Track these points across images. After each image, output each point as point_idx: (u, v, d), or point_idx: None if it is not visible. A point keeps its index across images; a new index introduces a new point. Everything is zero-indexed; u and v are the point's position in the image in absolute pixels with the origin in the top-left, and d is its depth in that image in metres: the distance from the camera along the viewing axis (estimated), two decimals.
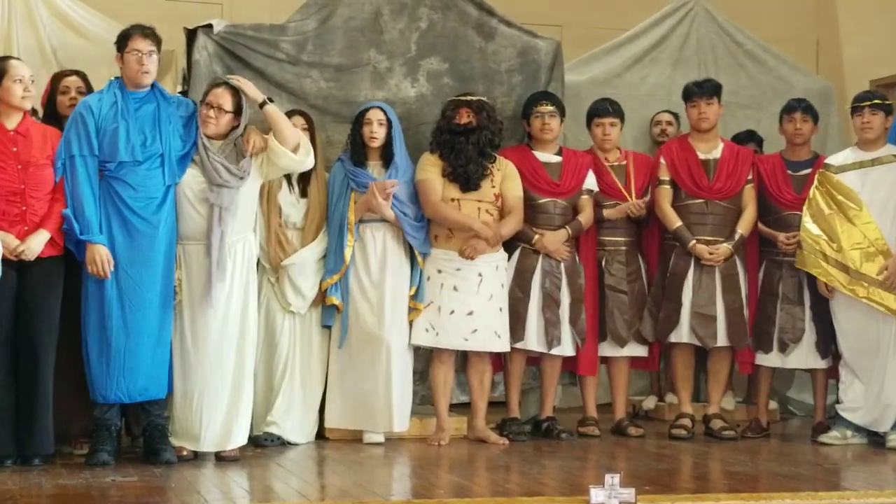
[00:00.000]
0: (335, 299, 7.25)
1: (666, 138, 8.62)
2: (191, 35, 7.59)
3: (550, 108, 7.69)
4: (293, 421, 7.25)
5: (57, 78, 7.23)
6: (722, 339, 7.71)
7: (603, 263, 7.82)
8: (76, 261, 6.50)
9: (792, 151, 7.95)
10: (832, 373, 7.83)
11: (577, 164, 7.71)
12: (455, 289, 7.35)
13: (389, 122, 7.36)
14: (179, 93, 7.47)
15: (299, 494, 5.83)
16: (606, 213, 7.79)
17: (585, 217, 7.68)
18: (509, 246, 7.55)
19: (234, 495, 5.94)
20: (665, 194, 7.80)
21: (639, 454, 7.19)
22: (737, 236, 7.72)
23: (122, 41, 6.65)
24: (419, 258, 7.36)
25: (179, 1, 9.55)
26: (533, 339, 7.54)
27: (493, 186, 7.42)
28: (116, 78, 6.71)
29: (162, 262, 6.57)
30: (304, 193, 7.33)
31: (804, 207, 7.64)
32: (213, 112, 6.68)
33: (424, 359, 7.66)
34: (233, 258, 6.69)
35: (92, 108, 6.57)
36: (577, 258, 7.71)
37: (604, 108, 7.92)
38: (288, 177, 7.23)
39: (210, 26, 7.57)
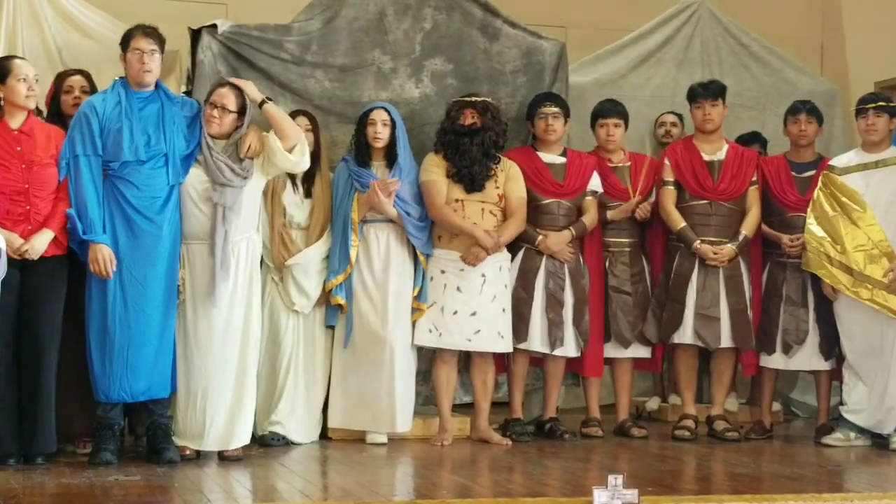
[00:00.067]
0: (340, 299, 7.25)
1: (670, 139, 8.63)
2: (195, 35, 7.60)
3: (554, 109, 7.69)
4: (297, 421, 7.26)
5: (61, 77, 7.23)
6: (726, 341, 7.71)
7: (607, 264, 7.82)
8: (80, 260, 6.50)
9: (796, 153, 7.94)
10: (836, 374, 7.82)
11: (581, 166, 7.71)
12: (458, 289, 7.35)
13: (393, 122, 7.36)
14: (184, 93, 7.47)
15: (302, 494, 5.84)
16: (609, 214, 7.78)
17: (589, 218, 7.68)
18: (513, 247, 7.55)
19: (236, 495, 5.94)
20: (669, 195, 7.80)
21: (642, 455, 7.19)
22: (741, 237, 7.71)
23: (125, 41, 6.67)
24: (422, 258, 7.36)
25: (184, 1, 9.55)
26: (536, 340, 7.54)
27: (497, 187, 7.42)
28: (121, 78, 6.72)
29: (165, 261, 6.57)
30: (308, 194, 7.34)
31: (808, 209, 7.64)
32: (217, 112, 6.68)
33: (427, 359, 7.65)
34: (236, 257, 6.69)
35: (96, 107, 6.58)
36: (581, 259, 7.71)
37: (608, 109, 7.92)
38: (292, 177, 7.24)
39: (214, 26, 7.57)
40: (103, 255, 6.42)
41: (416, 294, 7.35)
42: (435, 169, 7.39)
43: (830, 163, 7.74)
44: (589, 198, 7.71)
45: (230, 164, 6.64)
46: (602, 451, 7.38)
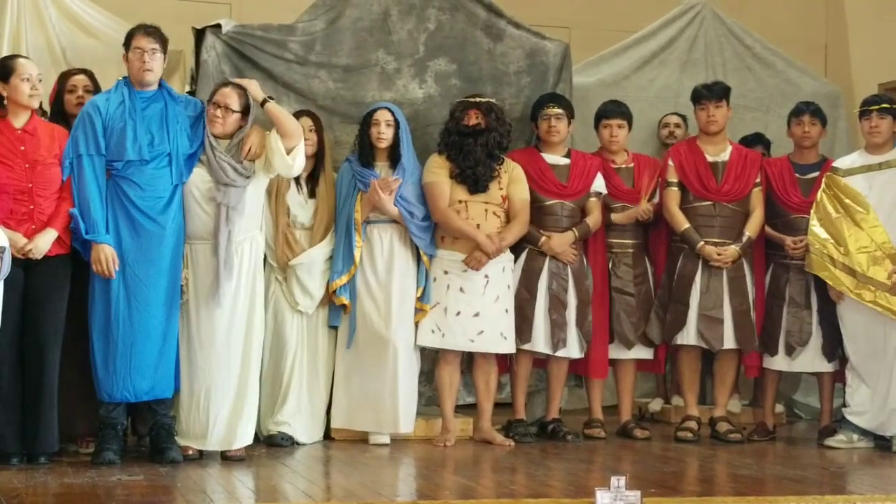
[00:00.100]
0: (344, 299, 7.25)
1: (674, 140, 8.62)
2: (199, 35, 7.60)
3: (557, 110, 7.69)
4: (302, 421, 7.26)
5: (64, 77, 7.23)
6: (729, 342, 7.71)
7: (610, 265, 7.82)
8: (83, 259, 6.51)
9: (800, 154, 7.94)
10: (839, 376, 7.82)
11: (585, 167, 7.70)
12: (461, 290, 7.35)
13: (397, 122, 7.36)
14: (187, 92, 7.47)
15: (305, 495, 5.83)
16: (615, 217, 7.78)
17: (593, 219, 7.67)
18: (516, 247, 7.54)
19: (239, 495, 5.94)
20: (673, 196, 7.79)
21: (644, 456, 7.19)
22: (744, 239, 7.71)
23: (127, 40, 6.69)
24: (425, 259, 7.36)
25: (188, 1, 9.55)
26: (539, 341, 7.54)
27: (501, 189, 7.42)
28: (124, 77, 6.72)
29: (169, 261, 6.58)
30: (312, 194, 7.34)
31: (811, 211, 7.64)
32: (221, 112, 6.68)
33: (430, 360, 7.65)
34: (240, 257, 6.69)
35: (99, 107, 6.58)
36: (584, 260, 7.71)
37: (611, 110, 7.92)
38: (296, 177, 7.23)
39: (218, 26, 7.57)
40: (106, 255, 6.43)
41: (419, 295, 7.35)
42: (438, 170, 7.39)
43: (834, 164, 7.74)
44: (593, 199, 7.70)
45: (233, 164, 6.64)
46: (605, 452, 7.38)
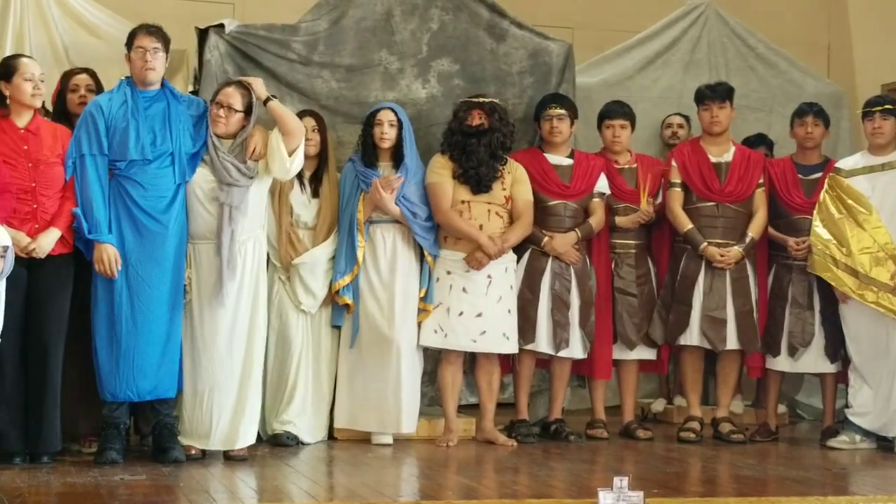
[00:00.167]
0: (347, 299, 7.25)
1: (677, 141, 8.62)
2: (202, 35, 7.60)
3: (560, 110, 7.68)
4: (306, 420, 7.26)
5: (67, 76, 7.24)
6: (732, 343, 7.71)
7: (612, 266, 7.82)
8: (86, 259, 6.51)
9: (803, 155, 7.93)
10: (841, 377, 7.81)
11: (588, 167, 7.70)
12: (464, 290, 7.35)
13: (400, 123, 7.35)
14: (190, 92, 7.47)
15: (308, 494, 5.84)
16: (618, 220, 7.78)
17: (596, 220, 7.67)
18: (519, 248, 7.54)
19: (242, 495, 5.94)
20: (676, 197, 7.79)
21: (647, 457, 7.19)
22: (747, 239, 7.71)
23: (130, 40, 6.69)
24: (429, 259, 7.36)
25: (191, 1, 9.55)
26: (542, 341, 7.54)
27: (504, 189, 7.42)
28: (127, 77, 6.73)
29: (172, 260, 6.58)
30: (315, 193, 7.34)
31: (814, 211, 7.63)
32: (224, 111, 6.69)
33: (433, 360, 7.66)
34: (243, 257, 6.69)
35: (102, 107, 6.59)
36: (587, 261, 7.70)
37: (614, 110, 7.92)
38: (300, 177, 7.24)
39: (222, 26, 7.58)
40: (108, 255, 6.43)
41: (422, 295, 7.34)
42: (441, 171, 7.38)
43: (837, 165, 7.73)
44: (596, 199, 7.70)
45: (236, 164, 6.65)
46: (607, 452, 7.38)
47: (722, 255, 7.65)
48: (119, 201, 6.53)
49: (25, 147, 6.42)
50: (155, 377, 6.53)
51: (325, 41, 7.78)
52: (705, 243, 7.67)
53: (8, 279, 5.99)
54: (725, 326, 7.68)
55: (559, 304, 7.54)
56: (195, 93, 7.43)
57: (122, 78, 6.76)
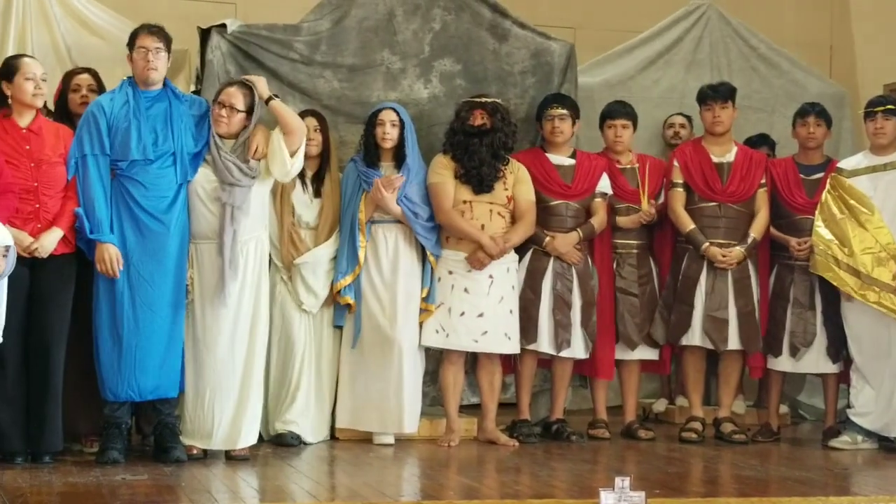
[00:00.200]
0: (349, 299, 7.25)
1: (679, 141, 8.62)
2: (204, 35, 7.61)
3: (561, 111, 7.68)
4: (310, 420, 7.26)
5: (69, 76, 7.24)
6: (734, 343, 7.70)
7: (614, 266, 7.82)
8: (88, 259, 6.51)
9: (805, 155, 7.93)
10: (843, 377, 7.81)
11: (590, 167, 7.70)
12: (466, 290, 7.35)
13: (402, 123, 7.35)
14: (192, 92, 7.48)
15: (309, 494, 5.84)
16: (620, 221, 7.78)
17: (598, 220, 7.67)
18: (521, 248, 7.54)
19: (244, 495, 5.94)
20: (678, 197, 7.79)
21: (649, 457, 7.19)
22: (749, 240, 7.71)
23: (131, 40, 6.69)
24: (432, 259, 7.36)
25: (193, 0, 9.56)
26: (544, 341, 7.54)
27: (506, 189, 7.42)
28: (129, 77, 6.73)
29: (174, 260, 6.58)
30: (317, 193, 7.34)
31: (816, 212, 7.63)
32: (226, 111, 6.69)
33: (435, 360, 7.66)
34: (245, 257, 6.70)
35: (104, 107, 6.59)
36: (589, 261, 7.70)
37: (616, 110, 7.92)
38: (301, 176, 7.24)
39: (224, 26, 7.58)
40: (110, 255, 6.44)
41: (424, 295, 7.34)
42: (443, 171, 7.38)
43: (839, 165, 7.73)
44: (598, 199, 7.70)
45: (238, 164, 6.65)
46: (609, 452, 7.38)
47: (724, 256, 7.65)
48: (121, 201, 6.54)
49: (28, 147, 6.42)
50: (156, 377, 6.53)
51: (327, 41, 7.78)
52: (707, 243, 7.67)
53: (10, 279, 6.00)
54: (727, 326, 7.68)
55: (561, 305, 7.54)
56: (197, 92, 7.44)
57: (125, 78, 6.77)
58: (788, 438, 8.04)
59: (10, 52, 7.58)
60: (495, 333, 7.35)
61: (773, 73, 9.37)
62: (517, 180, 7.45)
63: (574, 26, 10.26)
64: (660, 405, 8.86)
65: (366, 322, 7.28)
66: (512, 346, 7.44)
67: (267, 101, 6.77)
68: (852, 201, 7.56)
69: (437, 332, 7.35)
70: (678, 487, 6.18)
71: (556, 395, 7.81)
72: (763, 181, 7.81)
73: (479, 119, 7.37)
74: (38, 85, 6.46)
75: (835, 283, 7.53)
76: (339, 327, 7.38)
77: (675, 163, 7.85)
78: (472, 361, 7.61)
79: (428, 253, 7.35)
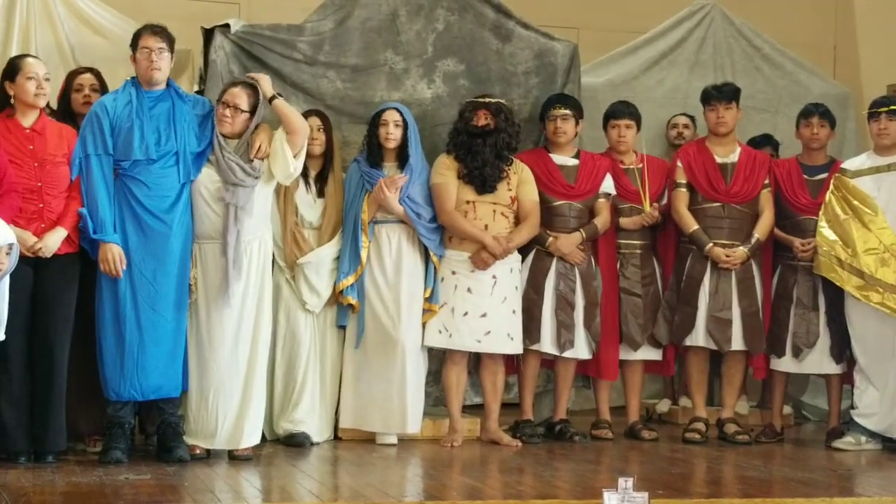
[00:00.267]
0: (352, 299, 7.25)
1: (682, 141, 8.61)
2: (208, 34, 7.60)
3: (564, 111, 7.68)
4: (315, 420, 7.26)
5: (71, 76, 7.25)
6: (737, 344, 7.70)
7: (618, 266, 7.82)
8: (91, 259, 6.51)
9: (808, 156, 7.93)
10: (847, 378, 7.81)
11: (594, 168, 7.70)
12: (469, 290, 7.34)
13: (405, 123, 7.35)
14: (196, 92, 7.48)
15: (312, 494, 5.84)
16: (623, 222, 7.77)
17: (601, 221, 7.66)
18: (524, 248, 7.54)
19: (247, 495, 5.94)
20: (682, 197, 7.79)
21: (652, 458, 7.18)
22: (753, 240, 7.70)
23: (134, 40, 6.70)
24: (435, 260, 7.35)
25: (197, 0, 9.56)
26: (547, 342, 7.53)
27: (510, 189, 7.41)
28: (132, 77, 6.74)
29: (176, 260, 6.58)
30: (320, 193, 7.34)
31: (820, 212, 7.63)
32: (230, 111, 6.69)
33: (438, 360, 7.65)
34: (248, 257, 6.70)
35: (107, 107, 6.60)
36: (593, 261, 7.70)
37: (620, 110, 7.91)
38: (305, 176, 7.24)
39: (227, 26, 7.58)
40: (113, 255, 6.44)
41: (427, 295, 7.34)
42: (446, 172, 7.38)
43: (842, 166, 7.73)
44: (601, 200, 7.70)
45: (241, 164, 6.65)
46: (612, 453, 7.37)
47: (727, 256, 7.64)
48: (123, 201, 6.54)
49: (31, 147, 6.43)
50: (159, 376, 6.53)
51: (330, 41, 7.78)
52: (711, 244, 7.66)
53: (14, 279, 6.00)
54: (731, 327, 7.67)
55: (563, 305, 7.54)
56: (200, 92, 7.44)
57: (128, 78, 6.77)
58: (792, 439, 8.04)
59: (14, 52, 7.59)
60: (498, 334, 7.35)
61: (777, 73, 9.37)
62: (521, 181, 7.45)
63: (577, 26, 10.24)
64: (663, 406, 8.86)
65: (369, 322, 7.28)
66: (515, 347, 7.44)
67: (270, 100, 6.77)
68: (856, 202, 7.55)
69: (441, 332, 7.35)
70: (681, 488, 6.17)
71: (559, 396, 7.80)
72: (767, 182, 7.80)
73: (482, 119, 7.37)
74: (40, 85, 6.47)
75: (838, 284, 7.53)
76: (342, 327, 7.38)
77: (679, 163, 7.85)
78: (476, 362, 7.61)
79: (431, 253, 7.35)
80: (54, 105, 7.12)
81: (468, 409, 7.83)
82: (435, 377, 7.71)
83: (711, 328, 7.66)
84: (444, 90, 7.89)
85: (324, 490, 6.06)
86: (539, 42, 8.10)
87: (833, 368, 7.78)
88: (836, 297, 7.65)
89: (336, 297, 7.29)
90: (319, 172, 7.34)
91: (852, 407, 7.66)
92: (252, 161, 6.67)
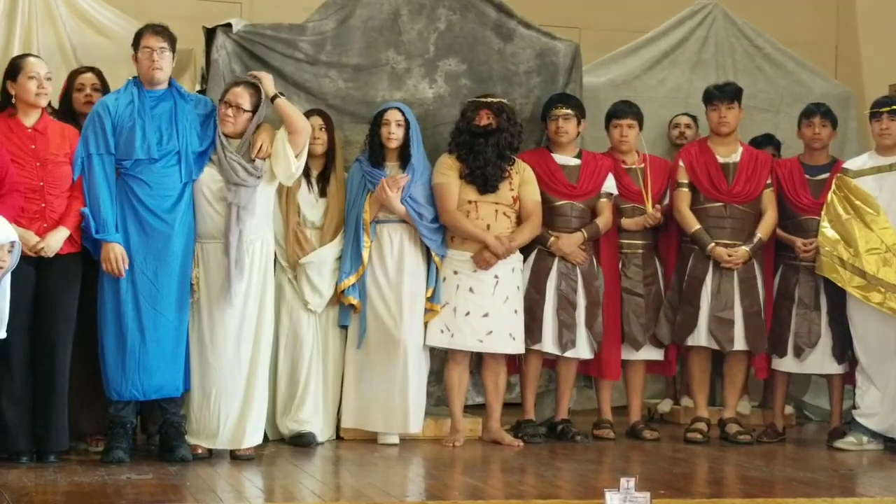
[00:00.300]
0: (353, 299, 7.25)
1: (684, 141, 8.61)
2: (210, 34, 7.60)
3: (566, 110, 7.68)
4: (319, 420, 7.26)
5: (73, 75, 7.26)
6: (739, 344, 7.69)
7: (620, 266, 7.81)
8: (93, 258, 6.51)
9: (810, 156, 7.92)
10: (849, 378, 7.81)
11: (596, 167, 7.69)
12: (471, 290, 7.34)
13: (407, 122, 7.35)
14: (198, 91, 7.48)
15: (314, 494, 5.84)
16: (625, 222, 7.77)
17: (603, 220, 7.66)
18: (526, 248, 7.53)
19: (249, 494, 5.95)
20: (684, 197, 7.79)
21: (654, 458, 7.18)
22: (755, 240, 7.70)
23: (136, 40, 6.71)
24: (437, 260, 7.35)
25: (198, 0, 9.56)
26: (549, 342, 7.53)
27: (512, 189, 7.41)
28: (134, 77, 6.74)
29: (178, 260, 6.58)
30: (322, 193, 7.34)
31: (822, 212, 7.62)
32: (232, 111, 6.69)
33: (440, 360, 7.65)
34: (251, 257, 6.70)
35: (109, 106, 6.61)
36: (594, 261, 7.70)
37: (622, 110, 7.91)
38: (307, 176, 7.24)
39: (229, 25, 7.58)
40: (115, 254, 6.44)
41: (429, 295, 7.34)
42: (447, 171, 7.38)
43: (844, 166, 7.73)
44: (603, 200, 7.69)
45: (244, 164, 6.65)
46: (614, 453, 7.37)
47: (729, 256, 7.64)
48: (125, 200, 6.55)
49: (33, 146, 6.43)
50: (161, 376, 6.53)
51: (332, 41, 7.77)
52: (713, 244, 7.66)
53: (16, 278, 6.00)
54: (733, 327, 7.67)
55: (565, 305, 7.54)
56: (202, 92, 7.43)
57: (130, 78, 6.77)
58: (793, 439, 8.04)
59: (16, 51, 7.59)
60: (500, 333, 7.35)
61: (779, 73, 9.37)
62: (523, 181, 7.45)
63: (579, 26, 10.24)
64: (665, 405, 8.86)
65: (371, 322, 7.28)
66: (516, 347, 7.44)
67: (272, 99, 6.77)
68: (858, 202, 7.55)
69: (442, 331, 7.35)
70: (683, 488, 6.18)
71: (560, 396, 7.80)
72: (769, 181, 7.80)
73: (484, 119, 7.37)
74: (41, 84, 6.47)
75: (840, 285, 7.52)
76: (344, 327, 7.38)
77: (681, 163, 7.84)
78: (477, 361, 7.60)
79: (433, 253, 7.35)
80: (56, 105, 7.12)
81: (470, 409, 7.83)
82: (437, 377, 7.71)
83: (713, 328, 7.66)
84: (446, 90, 7.89)
85: (326, 490, 6.07)
86: (541, 41, 8.10)
87: (835, 368, 7.78)
88: (837, 297, 7.65)
89: (338, 297, 7.29)
90: (321, 172, 7.34)
91: (854, 407, 7.66)
92: (254, 161, 6.67)
